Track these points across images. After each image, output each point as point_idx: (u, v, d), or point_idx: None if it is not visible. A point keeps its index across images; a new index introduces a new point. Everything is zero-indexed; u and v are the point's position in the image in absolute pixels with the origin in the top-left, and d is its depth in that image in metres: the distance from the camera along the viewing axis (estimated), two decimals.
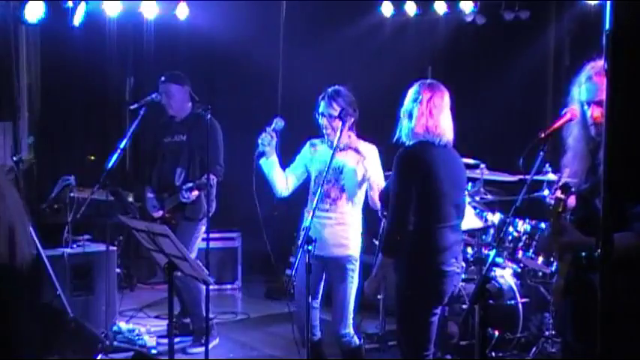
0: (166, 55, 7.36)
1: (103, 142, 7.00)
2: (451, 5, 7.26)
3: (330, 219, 4.24)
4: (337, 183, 4.22)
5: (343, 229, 4.25)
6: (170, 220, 5.38)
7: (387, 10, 7.30)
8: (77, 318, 5.11)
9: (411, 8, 7.27)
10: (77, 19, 6.41)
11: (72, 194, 5.67)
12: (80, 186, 5.76)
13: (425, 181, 3.54)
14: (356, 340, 4.34)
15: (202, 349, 4.87)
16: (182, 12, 6.92)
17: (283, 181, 4.42)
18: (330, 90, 4.28)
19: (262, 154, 4.32)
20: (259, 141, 4.31)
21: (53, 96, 7.05)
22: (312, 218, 3.90)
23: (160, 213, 5.46)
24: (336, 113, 4.17)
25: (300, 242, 3.86)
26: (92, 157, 6.10)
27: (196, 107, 5.42)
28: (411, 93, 3.67)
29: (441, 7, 7.21)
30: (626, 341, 2.51)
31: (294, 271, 4.04)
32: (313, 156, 4.40)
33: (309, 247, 3.76)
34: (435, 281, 3.59)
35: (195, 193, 5.26)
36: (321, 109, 4.26)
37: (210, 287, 4.87)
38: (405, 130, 3.65)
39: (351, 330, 4.31)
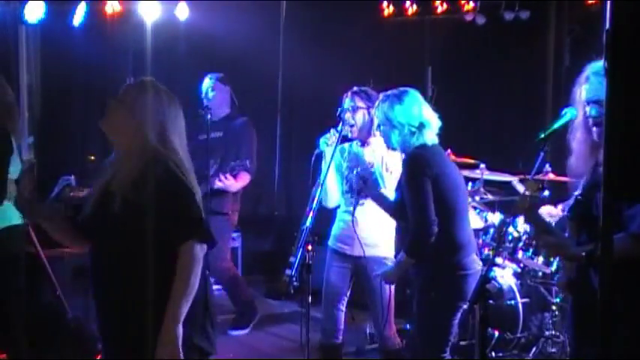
0: (166, 55, 7.36)
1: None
2: (451, 5, 7.26)
3: (367, 215, 4.21)
4: (371, 176, 4.14)
5: (380, 228, 4.22)
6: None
7: (387, 10, 7.30)
8: (77, 318, 5.11)
9: (411, 8, 7.27)
10: (77, 19, 6.41)
11: (72, 194, 5.67)
12: (80, 186, 5.75)
13: (440, 178, 3.56)
14: (398, 341, 4.31)
15: (243, 331, 5.76)
16: (182, 12, 6.92)
17: (337, 192, 4.30)
18: (355, 87, 4.28)
19: (321, 154, 4.19)
20: (322, 140, 4.19)
21: (53, 96, 7.05)
22: (312, 219, 3.89)
23: None
24: (362, 106, 4.18)
25: (300, 243, 3.85)
26: (92, 157, 6.10)
27: (234, 110, 5.79)
28: (406, 101, 3.67)
29: (441, 8, 7.23)
30: (622, 344, 2.51)
31: (294, 271, 4.05)
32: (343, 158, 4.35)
33: (309, 248, 3.77)
34: (459, 281, 3.59)
35: (228, 179, 5.43)
36: (346, 104, 4.23)
37: None
38: (421, 140, 3.65)
39: (393, 331, 4.29)
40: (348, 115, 4.20)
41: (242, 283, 5.93)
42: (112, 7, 6.74)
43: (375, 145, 4.21)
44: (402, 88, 3.76)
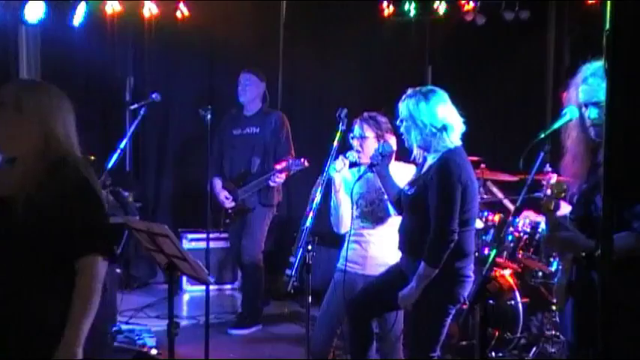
0: (166, 55, 7.36)
1: (103, 142, 6.99)
2: (451, 5, 7.26)
3: (377, 237, 4.21)
4: (382, 203, 4.16)
5: (392, 249, 4.15)
6: (243, 208, 5.91)
7: (387, 10, 7.30)
8: None
9: (410, 8, 7.28)
10: (77, 19, 6.41)
11: None
12: None
13: (467, 187, 3.55)
14: None
15: (243, 331, 5.85)
16: (182, 12, 6.93)
17: (349, 217, 4.24)
18: (366, 114, 4.24)
19: (330, 181, 4.14)
20: (331, 167, 4.10)
21: None
22: (312, 219, 3.88)
23: (233, 204, 5.94)
24: (371, 136, 4.15)
25: (300, 243, 3.84)
26: (92, 157, 6.09)
27: (265, 105, 6.06)
28: (434, 103, 3.61)
29: (441, 7, 7.23)
30: (626, 342, 2.51)
31: (294, 271, 4.04)
32: (352, 180, 4.29)
33: (309, 248, 3.76)
34: (459, 287, 3.62)
35: (283, 176, 5.70)
36: (355, 132, 4.21)
37: (210, 287, 4.89)
38: (443, 142, 3.61)
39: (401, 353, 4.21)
40: (356, 143, 4.19)
41: (262, 284, 6.03)
42: (112, 7, 6.74)
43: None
44: (430, 87, 3.71)
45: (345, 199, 4.24)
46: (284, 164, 5.63)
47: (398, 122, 3.74)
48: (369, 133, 4.17)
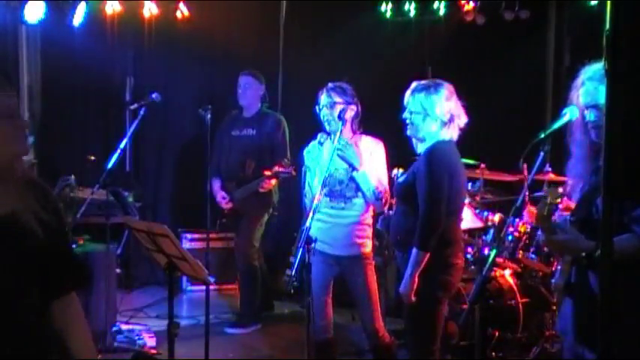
0: (166, 55, 7.36)
1: (103, 142, 6.99)
2: (451, 5, 7.27)
3: (347, 218, 4.24)
4: (351, 182, 4.20)
5: (360, 228, 4.25)
6: (240, 210, 5.93)
7: (386, 10, 7.31)
8: None
9: (411, 8, 7.28)
10: (77, 19, 6.41)
11: (72, 194, 5.67)
12: (80, 186, 5.75)
13: (453, 177, 3.60)
14: (388, 337, 4.33)
15: (241, 330, 5.86)
16: (182, 12, 6.94)
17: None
18: (330, 84, 4.28)
19: (307, 170, 4.28)
20: (305, 153, 4.25)
21: (53, 96, 7.05)
22: (312, 219, 3.88)
23: (230, 205, 5.97)
24: (339, 101, 4.18)
25: (300, 243, 3.85)
26: (92, 157, 6.10)
27: (264, 106, 6.11)
28: (442, 93, 3.66)
29: (441, 7, 7.24)
30: (627, 343, 2.51)
31: (294, 271, 4.04)
32: (321, 155, 4.35)
33: (309, 248, 3.76)
34: (446, 274, 3.65)
35: (274, 181, 5.70)
36: (322, 103, 4.24)
37: (210, 287, 4.90)
38: (443, 133, 3.65)
39: (382, 327, 4.30)
40: (326, 112, 4.22)
41: (258, 282, 6.03)
42: (112, 7, 6.74)
43: (361, 142, 4.23)
44: (437, 80, 3.75)
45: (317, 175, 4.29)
46: (272, 171, 5.54)
47: (406, 114, 3.74)
48: (338, 99, 4.21)
